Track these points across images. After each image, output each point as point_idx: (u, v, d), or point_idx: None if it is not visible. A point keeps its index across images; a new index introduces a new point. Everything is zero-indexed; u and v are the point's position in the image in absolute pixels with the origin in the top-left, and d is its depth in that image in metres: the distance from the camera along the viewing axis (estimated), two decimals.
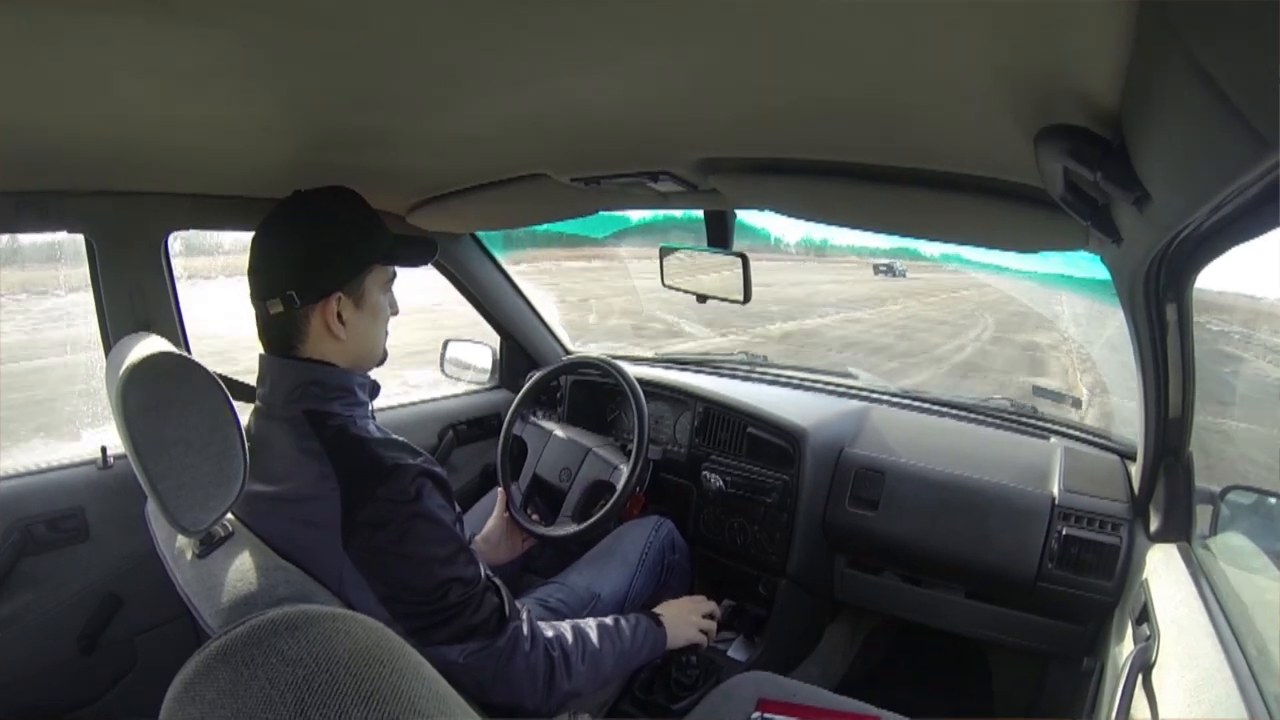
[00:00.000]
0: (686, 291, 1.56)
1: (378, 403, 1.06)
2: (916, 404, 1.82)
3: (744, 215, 1.50)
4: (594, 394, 1.95)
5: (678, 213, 1.58)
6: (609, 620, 1.13)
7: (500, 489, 1.55)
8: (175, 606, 1.06)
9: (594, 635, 1.08)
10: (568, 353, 2.16)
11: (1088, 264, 1.00)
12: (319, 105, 0.80)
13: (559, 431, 1.70)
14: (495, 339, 2.11)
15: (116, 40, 0.56)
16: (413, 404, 1.95)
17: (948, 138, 0.75)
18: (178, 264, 1.39)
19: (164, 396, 0.81)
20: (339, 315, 0.96)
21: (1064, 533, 1.30)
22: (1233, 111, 0.35)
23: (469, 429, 2.00)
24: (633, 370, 1.65)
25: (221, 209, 1.37)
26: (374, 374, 1.05)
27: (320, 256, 0.95)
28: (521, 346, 2.10)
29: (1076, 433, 1.63)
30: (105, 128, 0.85)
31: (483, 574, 0.95)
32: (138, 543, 1.18)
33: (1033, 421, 1.70)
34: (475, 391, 2.11)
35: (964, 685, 1.76)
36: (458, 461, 1.98)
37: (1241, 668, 0.74)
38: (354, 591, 0.87)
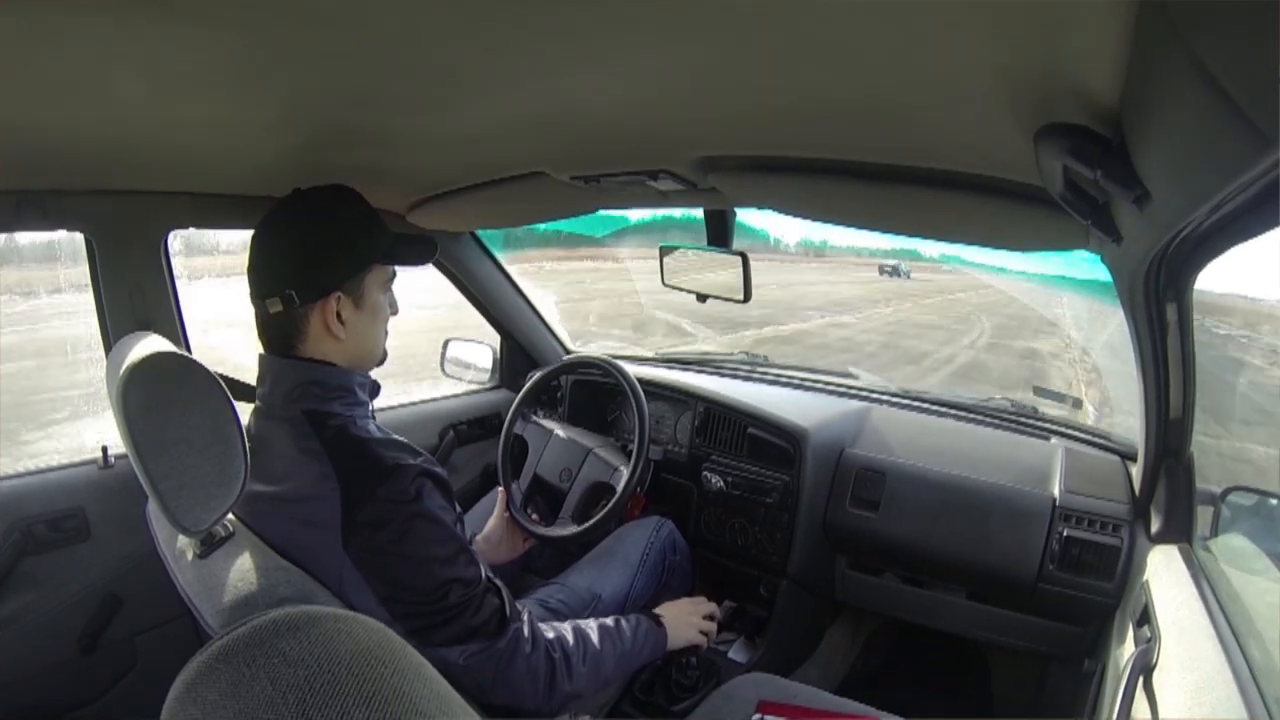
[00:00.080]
0: (686, 291, 1.56)
1: (378, 403, 1.06)
2: (917, 404, 1.82)
3: (742, 215, 1.50)
4: (595, 394, 1.95)
5: (676, 212, 1.58)
6: (610, 621, 1.13)
7: (501, 489, 1.55)
8: (176, 606, 1.06)
9: (595, 636, 1.07)
10: (568, 352, 2.16)
11: (1088, 265, 1.00)
12: (319, 104, 0.80)
13: (560, 431, 1.70)
14: (495, 339, 2.11)
15: (116, 40, 0.56)
16: (413, 404, 1.95)
17: (947, 136, 0.75)
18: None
19: (165, 396, 0.81)
20: (338, 315, 0.95)
21: (1065, 534, 1.30)
22: (1233, 109, 0.35)
23: (469, 429, 2.00)
24: (633, 370, 1.64)
25: (221, 208, 1.37)
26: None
27: (320, 255, 0.95)
28: (522, 346, 2.10)
29: (1077, 433, 1.62)
30: (105, 127, 0.85)
31: (483, 575, 0.94)
32: (138, 543, 1.18)
33: (1033, 422, 1.70)
34: (476, 391, 2.11)
35: (964, 687, 1.75)
36: (458, 461, 1.98)
37: (1242, 670, 0.74)
38: (354, 592, 0.87)
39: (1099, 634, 1.27)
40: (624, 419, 1.93)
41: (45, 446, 4.13)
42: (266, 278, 0.95)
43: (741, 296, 1.46)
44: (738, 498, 1.62)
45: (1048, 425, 1.67)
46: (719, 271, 1.49)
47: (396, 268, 1.05)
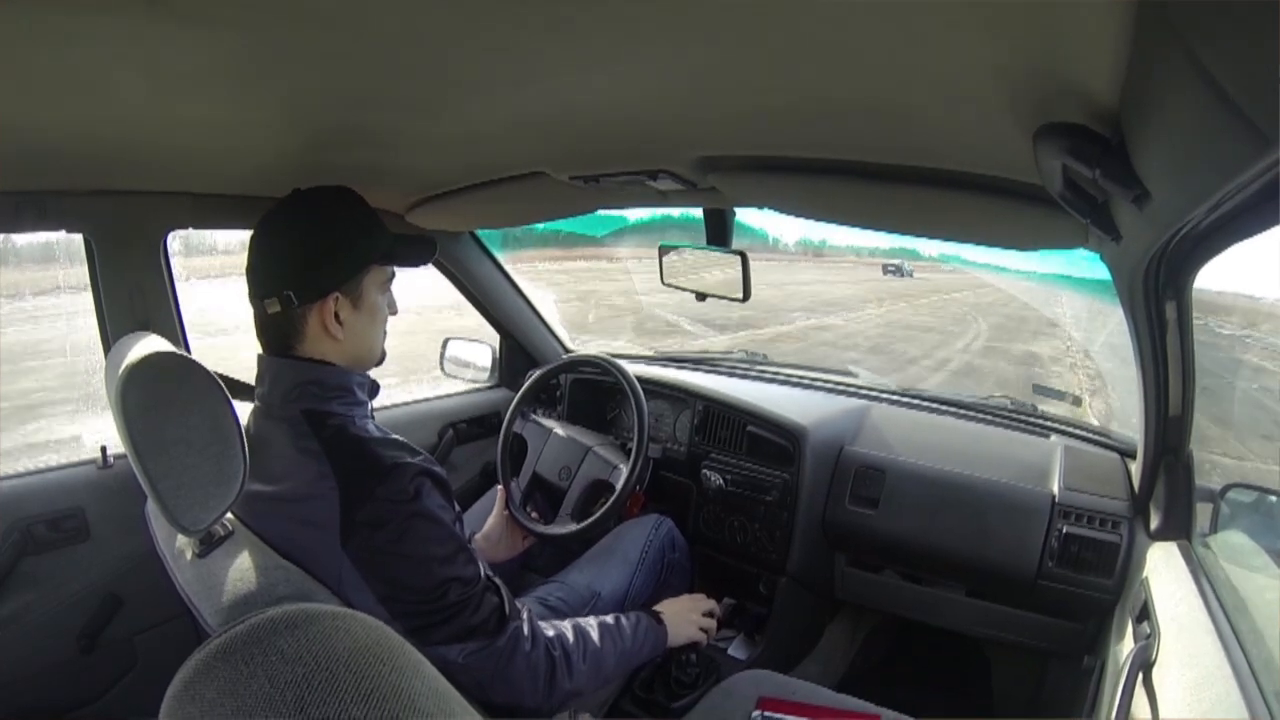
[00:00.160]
0: (686, 290, 1.56)
1: (376, 402, 1.06)
2: (917, 402, 1.82)
3: (741, 214, 1.50)
4: (594, 392, 1.95)
5: (675, 212, 1.58)
6: (609, 619, 1.13)
7: (500, 487, 1.55)
8: (175, 606, 1.06)
9: (595, 634, 1.07)
10: (567, 351, 2.16)
11: (1088, 263, 1.00)
12: (319, 104, 0.80)
13: (559, 430, 1.70)
14: (495, 337, 2.11)
15: (116, 40, 0.56)
16: (412, 403, 1.95)
17: (947, 136, 0.75)
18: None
19: (164, 396, 0.81)
20: (336, 315, 0.95)
21: (1064, 531, 1.30)
22: (1233, 108, 0.35)
23: (469, 427, 2.00)
24: (632, 368, 1.65)
25: (221, 208, 1.37)
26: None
27: (318, 256, 0.94)
28: (521, 345, 2.10)
29: (1076, 431, 1.63)
30: (105, 127, 0.85)
31: (482, 573, 0.94)
32: (138, 542, 1.18)
33: (1033, 420, 1.70)
34: (475, 390, 2.11)
35: (964, 683, 1.76)
36: (458, 460, 1.98)
37: (1242, 666, 0.74)
38: (353, 591, 0.87)
39: (1098, 630, 1.28)
40: (623, 417, 1.93)
41: None
42: (265, 278, 0.95)
43: (741, 295, 1.46)
44: (737, 495, 1.62)
45: (1047, 423, 1.68)
46: (718, 271, 1.49)
47: (395, 268, 1.05)
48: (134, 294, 1.31)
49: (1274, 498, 1.24)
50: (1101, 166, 0.55)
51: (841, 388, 1.92)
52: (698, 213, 1.46)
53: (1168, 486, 1.14)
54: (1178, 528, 1.12)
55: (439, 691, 0.51)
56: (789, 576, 1.59)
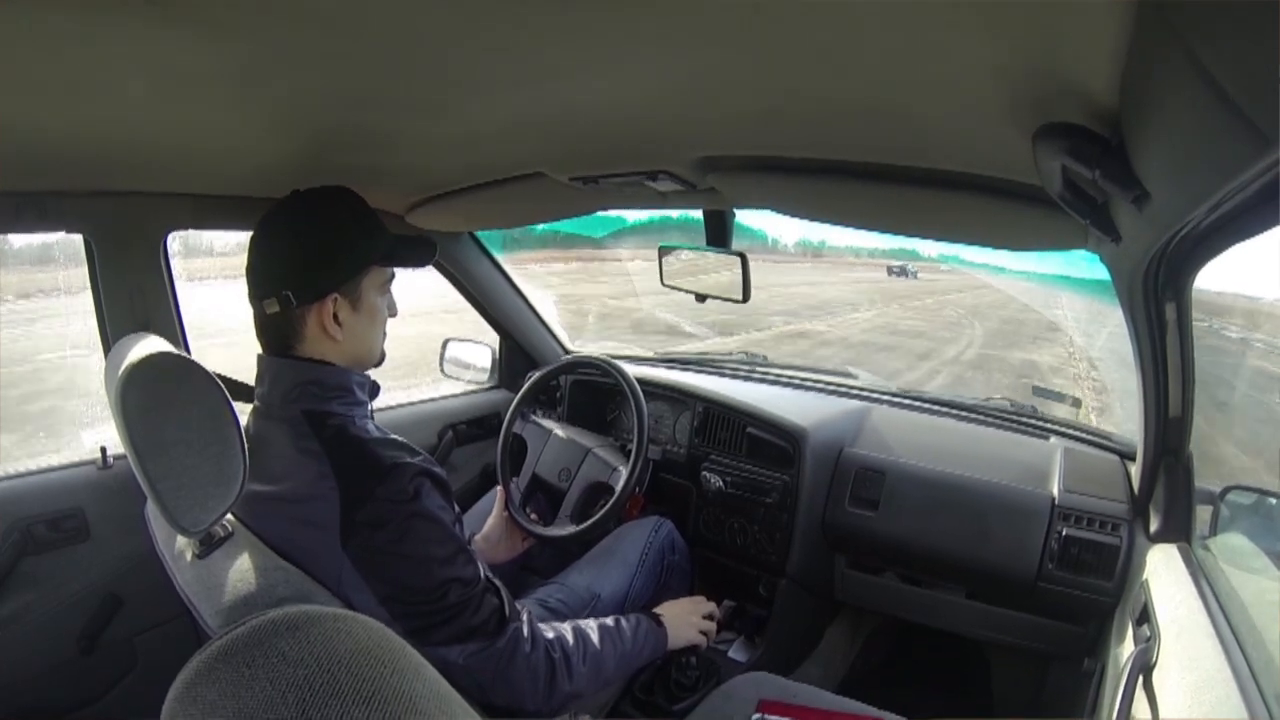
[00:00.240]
0: (686, 291, 1.56)
1: (375, 403, 1.06)
2: (916, 404, 1.82)
3: (740, 215, 1.50)
4: (594, 394, 1.95)
5: (673, 213, 1.58)
6: (609, 621, 1.13)
7: (500, 488, 1.55)
8: (175, 606, 1.05)
9: (595, 636, 1.07)
10: (567, 352, 2.16)
11: (1088, 264, 1.00)
12: (319, 105, 0.80)
13: (559, 431, 1.70)
14: (495, 339, 2.11)
15: (116, 40, 0.56)
16: (412, 404, 1.95)
17: (946, 136, 0.75)
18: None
19: (163, 397, 0.81)
20: (335, 316, 0.95)
21: (1064, 533, 1.30)
22: (1233, 108, 0.35)
23: (469, 429, 2.00)
24: (632, 370, 1.65)
25: (221, 209, 1.37)
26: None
27: (317, 257, 0.94)
28: (521, 346, 2.10)
29: (1076, 433, 1.63)
30: (105, 128, 0.85)
31: (482, 574, 0.94)
32: (137, 543, 1.18)
33: (1032, 421, 1.70)
34: (475, 391, 2.11)
35: (964, 686, 1.75)
36: (457, 461, 1.98)
37: (1242, 668, 0.74)
38: (353, 591, 0.87)
39: (1098, 633, 1.27)
40: (623, 419, 1.93)
41: None
42: (264, 279, 0.95)
43: (740, 296, 1.46)
44: (737, 497, 1.62)
45: (1047, 424, 1.68)
46: (718, 272, 1.49)
47: (395, 269, 1.05)
48: (134, 295, 1.31)
49: (1274, 500, 1.24)
50: (1101, 167, 0.55)
51: (841, 389, 1.92)
52: (697, 214, 1.47)
53: (1167, 488, 1.13)
54: (1178, 530, 1.12)
55: (440, 694, 0.51)
56: (789, 578, 1.59)
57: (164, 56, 0.60)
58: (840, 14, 0.48)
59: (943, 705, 1.63)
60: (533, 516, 1.57)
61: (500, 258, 1.97)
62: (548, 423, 1.75)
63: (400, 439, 0.95)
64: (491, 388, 2.13)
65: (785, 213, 1.16)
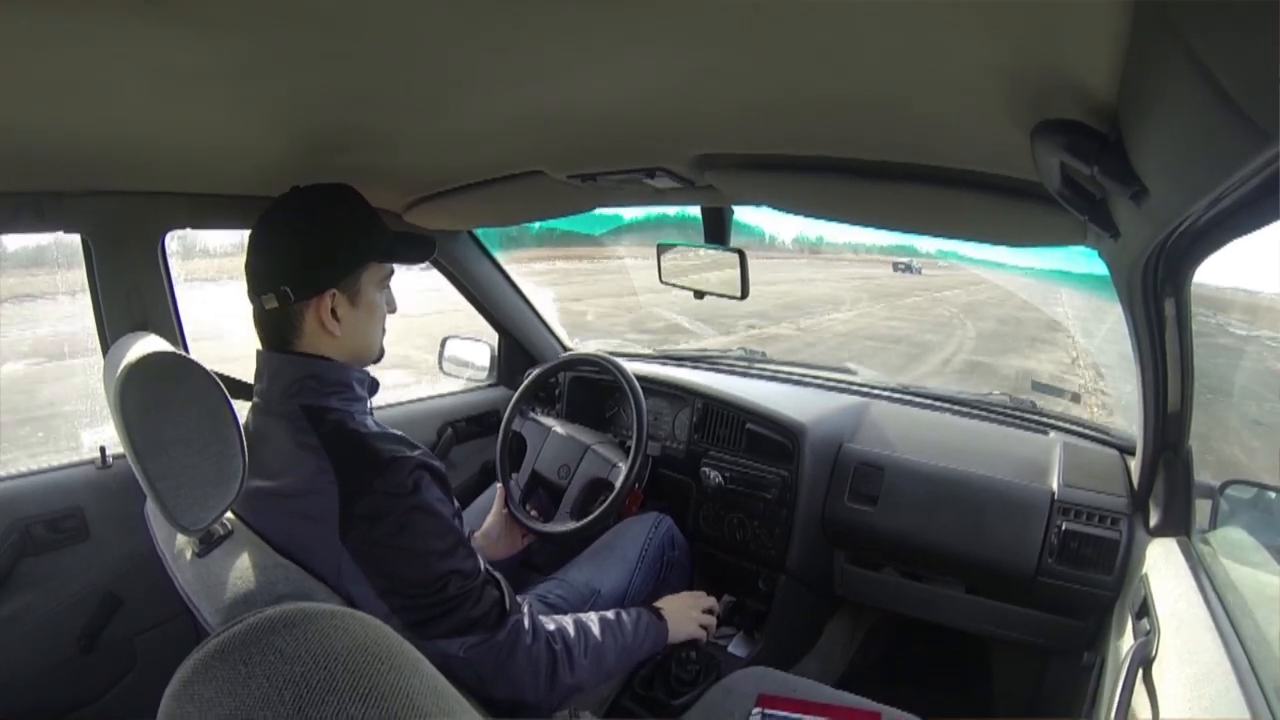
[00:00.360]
0: (684, 288, 1.56)
1: (375, 401, 1.06)
2: (915, 399, 1.82)
3: (737, 211, 1.49)
4: (593, 391, 1.95)
5: (671, 210, 1.58)
6: (610, 614, 1.13)
7: (499, 485, 1.55)
8: (175, 606, 1.06)
9: (596, 629, 1.07)
10: (566, 349, 2.16)
11: (1087, 259, 1.00)
12: (317, 104, 0.80)
13: (558, 428, 1.70)
14: (494, 336, 2.11)
15: (115, 40, 0.56)
16: (411, 401, 1.95)
17: (944, 133, 0.75)
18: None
19: (162, 396, 0.81)
20: (334, 312, 0.95)
21: (1063, 527, 1.30)
22: (1231, 104, 0.35)
23: (468, 426, 2.00)
24: (631, 366, 1.65)
25: (219, 208, 1.37)
26: None
27: (315, 253, 0.95)
28: (520, 343, 2.10)
29: (1075, 427, 1.63)
30: (103, 127, 0.84)
31: (482, 567, 0.95)
32: (137, 542, 1.18)
33: (1032, 416, 1.70)
34: (474, 389, 2.11)
35: (964, 681, 1.76)
36: (457, 458, 1.98)
37: (1241, 662, 0.74)
38: (352, 585, 0.87)
39: (1098, 627, 1.28)
40: (622, 415, 1.93)
41: None
42: (263, 274, 0.95)
43: (739, 294, 1.46)
44: (736, 493, 1.62)
45: (1046, 419, 1.68)
46: (716, 269, 1.49)
47: (394, 266, 1.05)
48: (132, 294, 1.31)
49: (1273, 494, 1.24)
50: (1099, 163, 0.55)
51: (840, 385, 1.92)
52: (695, 211, 1.46)
53: (1167, 483, 1.14)
54: (1177, 524, 1.12)
55: (438, 690, 0.51)
56: (788, 574, 1.59)
57: (162, 56, 0.60)
58: (838, 11, 0.48)
59: (942, 700, 1.64)
60: (532, 513, 1.57)
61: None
62: (547, 420, 1.75)
63: (399, 433, 0.95)
64: (490, 385, 2.13)
65: (784, 210, 1.16)
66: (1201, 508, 1.14)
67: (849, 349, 11.27)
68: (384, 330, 1.05)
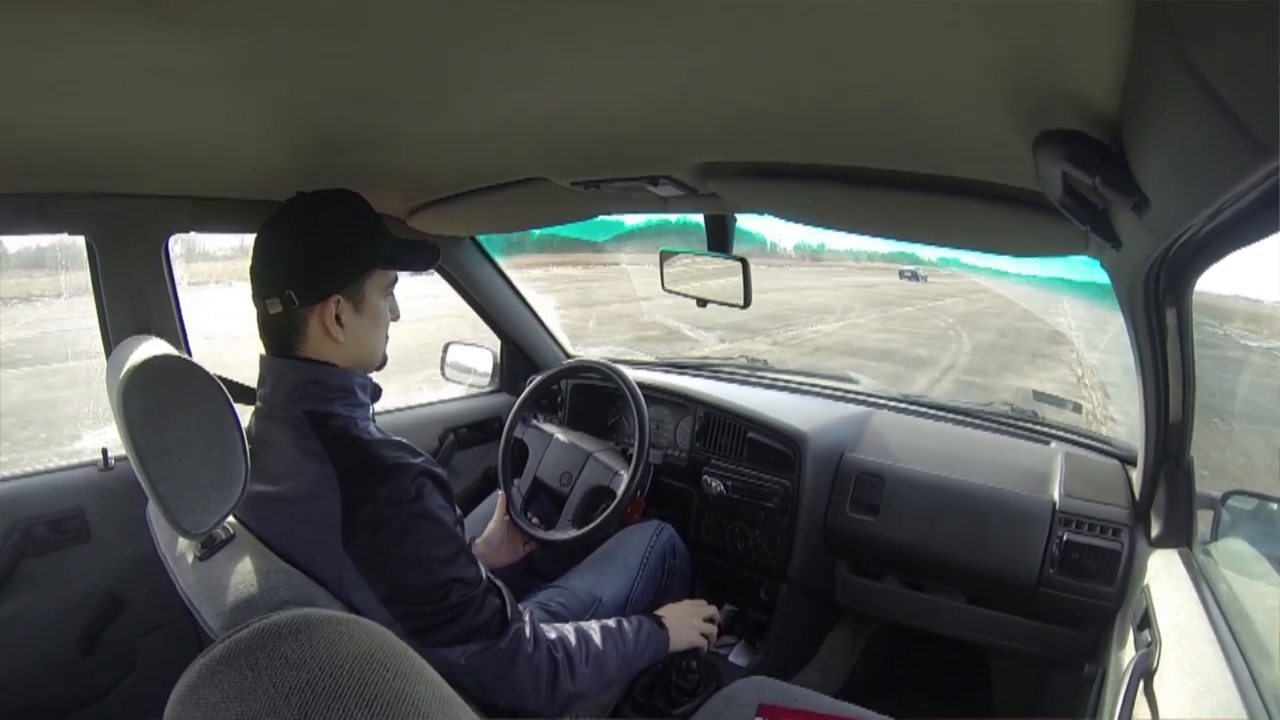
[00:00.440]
0: (687, 296, 1.57)
1: (376, 407, 1.07)
2: (917, 409, 1.82)
3: (740, 219, 1.50)
4: (595, 398, 1.95)
5: (673, 218, 1.58)
6: (611, 622, 1.13)
7: (501, 492, 1.55)
8: (176, 608, 1.06)
9: (597, 637, 1.07)
10: (568, 356, 2.16)
11: (1088, 268, 1.00)
12: (319, 106, 0.81)
13: (560, 435, 1.70)
14: (496, 343, 2.12)
15: (116, 41, 0.56)
16: (413, 407, 1.95)
17: (947, 142, 0.76)
18: None
19: (165, 399, 0.81)
20: (337, 318, 0.96)
21: (1065, 538, 1.30)
22: (1232, 118, 0.35)
23: (470, 432, 2.00)
24: (633, 374, 1.65)
25: (222, 211, 1.38)
26: None
27: (320, 258, 0.95)
28: (522, 350, 2.10)
29: (1077, 438, 1.63)
30: (106, 129, 0.85)
31: (484, 575, 0.94)
32: (138, 544, 1.18)
33: (1033, 426, 1.70)
34: (476, 395, 2.11)
35: (965, 691, 1.75)
36: (458, 465, 1.98)
37: (1243, 674, 0.74)
38: (354, 591, 0.87)
39: (1099, 638, 1.27)
40: (624, 423, 1.93)
41: None
42: (267, 278, 0.95)
43: (741, 302, 1.46)
44: (738, 502, 1.62)
45: (1047, 429, 1.67)
46: (719, 277, 1.50)
47: (398, 273, 1.05)
48: (135, 297, 1.32)
49: (1275, 505, 1.24)
50: (1101, 174, 0.55)
51: (842, 394, 1.92)
52: (697, 219, 1.47)
53: (1168, 493, 1.13)
54: (1179, 535, 1.12)
55: (442, 697, 0.51)
56: (790, 583, 1.59)
57: (162, 56, 0.60)
58: (842, 18, 0.48)
59: (943, 710, 1.63)
60: (534, 520, 1.57)
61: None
62: (549, 427, 1.75)
63: (402, 440, 0.95)
64: (492, 391, 2.13)
65: (787, 218, 1.16)
66: (1203, 518, 1.14)
67: (828, 366, 9.19)
68: (387, 337, 1.05)
